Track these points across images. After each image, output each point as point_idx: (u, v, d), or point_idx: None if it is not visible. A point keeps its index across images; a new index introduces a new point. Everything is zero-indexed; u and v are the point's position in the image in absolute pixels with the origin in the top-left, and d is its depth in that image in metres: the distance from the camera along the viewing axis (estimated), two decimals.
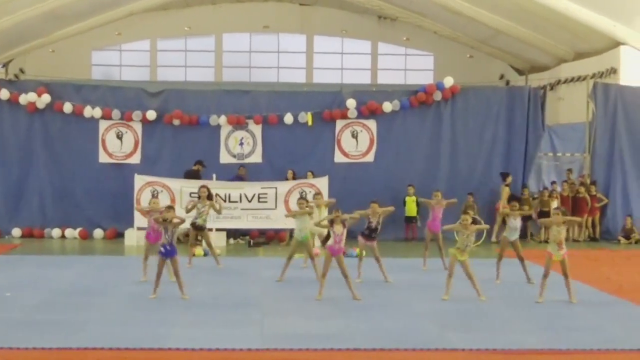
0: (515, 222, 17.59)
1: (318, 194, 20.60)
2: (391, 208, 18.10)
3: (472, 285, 15.39)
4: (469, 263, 15.41)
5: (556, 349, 11.56)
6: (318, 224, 17.35)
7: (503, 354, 11.31)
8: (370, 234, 17.36)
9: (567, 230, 26.36)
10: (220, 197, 23.27)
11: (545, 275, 15.32)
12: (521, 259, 17.58)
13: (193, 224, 19.64)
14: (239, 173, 25.68)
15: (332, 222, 15.56)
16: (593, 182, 27.25)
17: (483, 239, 24.30)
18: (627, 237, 26.51)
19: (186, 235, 21.85)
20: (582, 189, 26.95)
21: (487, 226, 18.36)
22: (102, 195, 26.09)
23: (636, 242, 26.37)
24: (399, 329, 12.74)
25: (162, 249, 15.18)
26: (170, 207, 15.75)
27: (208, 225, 20.39)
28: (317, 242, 20.26)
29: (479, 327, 13.00)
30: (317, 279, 16.45)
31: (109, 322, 12.92)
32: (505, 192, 25.87)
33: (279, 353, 11.16)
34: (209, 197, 19.90)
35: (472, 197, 25.97)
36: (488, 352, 11.34)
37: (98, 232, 25.92)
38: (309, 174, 25.34)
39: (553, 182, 27.75)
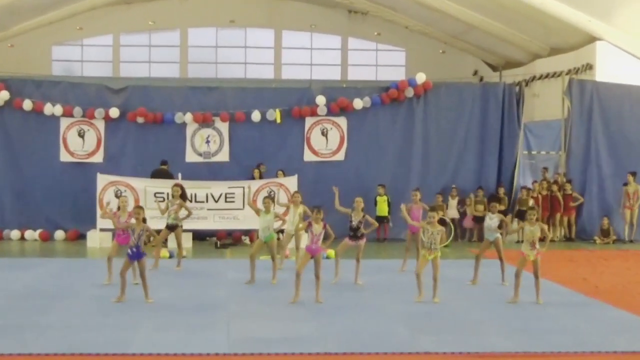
0: (491, 222, 17.69)
1: (296, 192, 20.55)
2: (375, 225, 18.46)
3: (433, 285, 15.43)
4: (438, 262, 15.45)
5: (530, 351, 11.60)
6: (297, 228, 17.86)
7: (476, 357, 11.34)
8: (354, 234, 17.43)
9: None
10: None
11: (517, 275, 15.45)
12: (501, 260, 17.67)
13: (167, 225, 19.63)
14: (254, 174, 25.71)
15: (309, 222, 15.57)
16: (569, 181, 27.38)
17: (451, 239, 24.40)
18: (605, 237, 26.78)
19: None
20: (555, 188, 27.13)
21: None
22: (64, 196, 25.96)
23: (613, 243, 26.56)
24: (369, 332, 12.74)
25: (129, 252, 15.13)
26: (140, 207, 15.66)
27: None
28: (290, 244, 20.26)
29: (451, 330, 13.01)
30: (272, 281, 17.33)
31: (70, 327, 12.85)
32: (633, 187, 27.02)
33: (246, 358, 11.13)
34: (182, 196, 19.86)
35: (442, 198, 26.13)
36: (461, 355, 11.36)
37: (59, 234, 25.78)
38: (280, 172, 25.35)
39: (534, 182, 27.79)
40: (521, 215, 24.23)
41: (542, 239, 15.58)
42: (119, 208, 17.54)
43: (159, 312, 14.08)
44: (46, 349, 11.29)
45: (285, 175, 25.29)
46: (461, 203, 26.95)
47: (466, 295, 16.10)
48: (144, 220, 15.25)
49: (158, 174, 25.05)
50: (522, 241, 15.99)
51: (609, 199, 27.65)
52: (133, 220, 15.52)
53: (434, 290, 15.39)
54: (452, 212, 26.44)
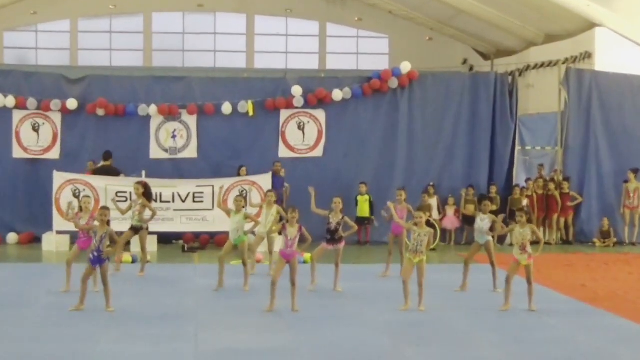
0: (482, 224, 17.64)
1: (270, 191, 20.52)
2: (355, 228, 18.33)
3: (418, 292, 15.43)
4: (424, 267, 15.45)
5: None
6: (270, 230, 17.93)
7: None
8: (331, 237, 17.42)
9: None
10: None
11: (508, 281, 15.46)
12: (492, 265, 17.62)
13: (131, 227, 19.56)
14: (274, 169, 25.53)
15: (284, 225, 15.56)
16: (566, 179, 27.40)
17: (437, 242, 24.40)
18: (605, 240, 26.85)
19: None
20: (552, 186, 27.15)
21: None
22: (17, 195, 25.87)
23: (614, 245, 26.64)
24: (350, 343, 12.75)
25: (91, 256, 15.06)
26: (106, 209, 15.57)
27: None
28: (263, 248, 20.22)
29: (439, 340, 13.05)
30: (244, 288, 17.28)
31: (24, 338, 12.79)
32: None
33: None
34: (146, 195, 19.72)
35: (429, 197, 26.14)
36: None
37: (12, 237, 25.63)
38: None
39: (528, 180, 27.80)
40: (514, 216, 24.25)
41: (535, 242, 15.63)
42: (81, 209, 17.49)
43: (121, 322, 14.03)
44: None
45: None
46: (443, 202, 26.93)
47: (454, 303, 16.13)
48: (108, 223, 15.21)
49: (101, 172, 24.85)
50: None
51: (610, 198, 27.70)
52: (96, 223, 15.48)
53: (419, 297, 15.39)
54: (433, 213, 26.32)
